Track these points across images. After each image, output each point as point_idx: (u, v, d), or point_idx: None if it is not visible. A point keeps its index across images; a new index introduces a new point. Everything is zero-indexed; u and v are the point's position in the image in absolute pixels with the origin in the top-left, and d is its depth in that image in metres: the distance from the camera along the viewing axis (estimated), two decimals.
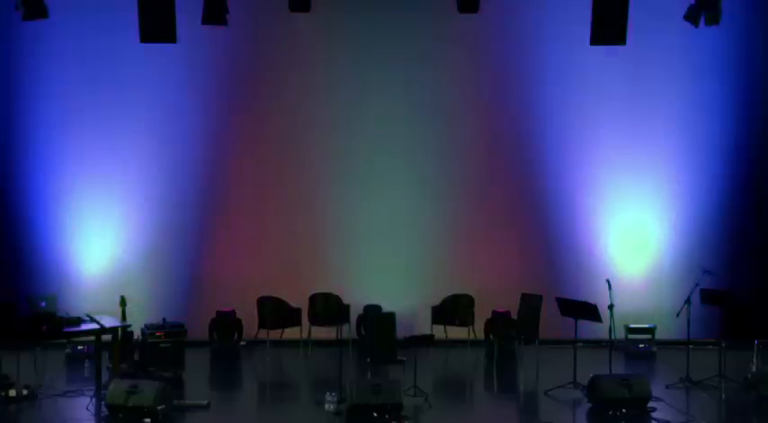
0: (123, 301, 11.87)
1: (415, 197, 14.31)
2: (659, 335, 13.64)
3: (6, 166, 14.09)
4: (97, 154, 14.05)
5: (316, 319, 13.87)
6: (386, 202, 14.26)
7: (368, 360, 12.36)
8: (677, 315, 11.99)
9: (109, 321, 11.44)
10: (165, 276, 14.16)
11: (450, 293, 14.05)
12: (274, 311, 13.65)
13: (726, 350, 11.95)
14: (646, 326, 13.74)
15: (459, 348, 13.74)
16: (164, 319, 12.57)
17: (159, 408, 10.17)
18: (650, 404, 10.78)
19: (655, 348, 13.60)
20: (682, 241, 14.20)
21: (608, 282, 11.71)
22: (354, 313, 13.83)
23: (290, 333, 13.80)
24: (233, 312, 13.91)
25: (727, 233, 14.22)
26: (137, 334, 12.31)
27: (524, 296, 13.13)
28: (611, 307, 11.58)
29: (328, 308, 13.92)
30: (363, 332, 13.58)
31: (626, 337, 13.63)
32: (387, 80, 14.21)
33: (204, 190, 14.26)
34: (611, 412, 10.66)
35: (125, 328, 11.81)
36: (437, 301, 14.01)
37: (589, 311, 11.49)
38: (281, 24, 13.76)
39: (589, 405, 10.96)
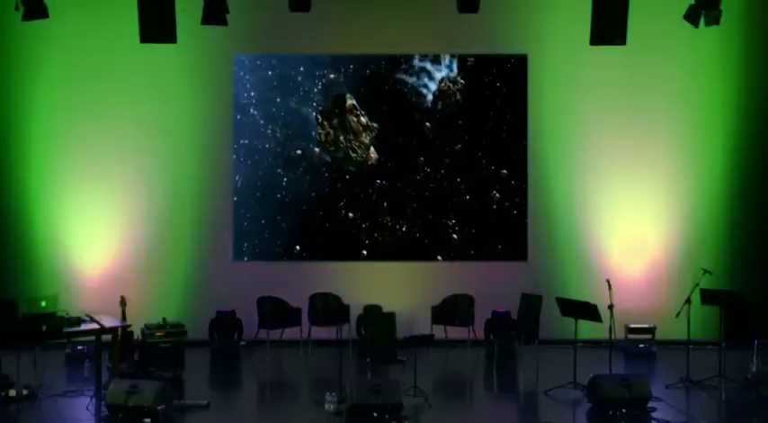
0: (123, 301, 11.87)
1: (414, 196, 14.33)
2: (659, 335, 13.64)
3: (6, 166, 14.09)
4: (97, 154, 14.05)
5: (316, 319, 13.88)
6: (387, 202, 14.30)
7: (368, 360, 12.36)
8: (677, 315, 11.99)
9: (109, 321, 11.44)
10: (165, 276, 14.17)
11: (450, 293, 14.05)
12: (274, 311, 13.65)
13: (726, 350, 11.95)
14: (646, 326, 13.73)
15: (459, 348, 13.74)
16: (164, 319, 12.58)
17: (159, 408, 10.17)
18: (650, 404, 10.78)
19: (655, 348, 13.60)
20: (682, 241, 14.20)
21: (608, 282, 11.72)
22: (354, 313, 13.85)
23: (290, 333, 13.80)
24: (233, 312, 13.92)
25: (727, 233, 14.22)
26: (137, 334, 12.31)
27: (524, 296, 13.13)
28: (611, 307, 11.58)
29: (328, 308, 13.92)
30: (363, 332, 13.58)
31: (626, 337, 13.63)
32: (385, 80, 14.23)
33: (205, 190, 14.27)
34: (611, 412, 10.66)
35: (125, 328, 11.81)
36: (437, 301, 14.02)
37: (589, 311, 11.50)
38: (281, 24, 13.79)
39: (589, 405, 10.96)
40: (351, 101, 13.82)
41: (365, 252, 14.31)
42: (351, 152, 13.90)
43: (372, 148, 14.02)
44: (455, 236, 14.34)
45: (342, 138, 13.92)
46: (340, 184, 14.27)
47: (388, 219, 14.32)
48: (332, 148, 14.09)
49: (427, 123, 14.29)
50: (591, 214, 14.24)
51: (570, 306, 11.85)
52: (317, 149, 14.11)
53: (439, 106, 14.32)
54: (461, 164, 14.34)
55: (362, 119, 13.89)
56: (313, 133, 14.21)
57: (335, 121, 13.97)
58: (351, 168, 14.21)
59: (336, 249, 14.30)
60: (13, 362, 11.27)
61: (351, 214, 14.25)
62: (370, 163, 14.08)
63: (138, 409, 10.16)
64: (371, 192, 14.27)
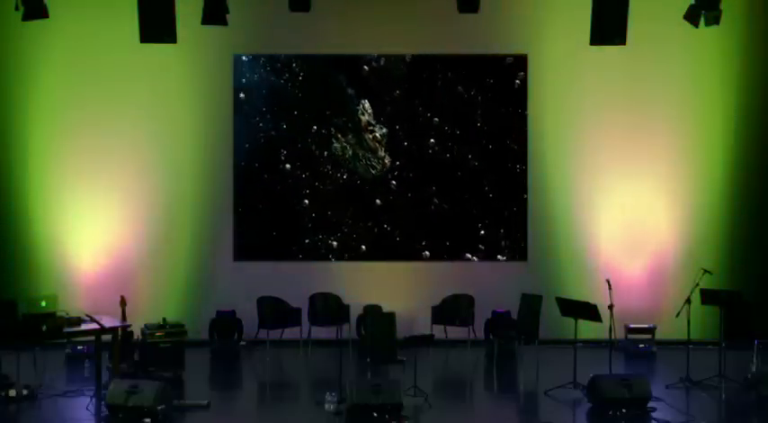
0: (123, 301, 11.87)
1: (415, 197, 14.34)
2: (659, 335, 13.64)
3: (6, 166, 14.09)
4: (97, 154, 14.05)
5: (316, 319, 13.88)
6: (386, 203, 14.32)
7: (368, 360, 12.36)
8: (677, 315, 11.99)
9: (109, 321, 11.43)
10: (165, 276, 14.17)
11: (450, 293, 14.06)
12: (274, 311, 13.65)
13: (726, 350, 11.95)
14: (646, 326, 13.74)
15: (460, 348, 13.74)
16: (164, 319, 12.57)
17: (159, 408, 10.17)
18: (650, 404, 10.78)
19: (655, 348, 13.60)
20: (682, 241, 14.20)
21: (608, 282, 11.71)
22: (354, 313, 13.85)
23: (290, 333, 13.80)
24: (233, 312, 13.92)
25: (727, 233, 14.22)
26: (137, 334, 12.31)
27: (524, 296, 13.13)
28: (611, 307, 11.58)
29: (328, 308, 13.93)
30: (363, 332, 13.58)
31: (626, 337, 13.63)
32: (385, 80, 14.25)
33: (205, 190, 14.27)
34: (611, 412, 10.66)
35: (125, 328, 11.81)
36: (437, 301, 14.02)
37: (589, 311, 11.50)
38: (281, 24, 13.80)
39: (589, 405, 10.96)
40: (364, 117, 13.86)
41: (306, 202, 14.24)
42: (371, 169, 14.09)
43: (387, 156, 14.09)
44: (394, 182, 14.26)
45: (360, 154, 13.99)
46: (275, 132, 14.29)
47: (329, 167, 14.29)
48: (350, 165, 14.14)
49: (365, 67, 14.28)
50: (590, 214, 14.24)
51: (570, 306, 11.85)
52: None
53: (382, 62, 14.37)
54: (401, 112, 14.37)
55: (377, 134, 13.95)
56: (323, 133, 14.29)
57: (350, 136, 14.00)
58: (368, 178, 14.28)
59: (275, 199, 14.29)
60: (13, 362, 11.26)
61: (288, 166, 14.22)
62: (385, 169, 14.14)
63: (138, 409, 10.16)
64: (310, 141, 14.28)
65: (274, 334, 13.61)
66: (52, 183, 14.06)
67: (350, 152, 13.67)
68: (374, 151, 13.88)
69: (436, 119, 14.31)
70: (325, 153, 14.17)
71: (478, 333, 13.84)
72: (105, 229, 14.07)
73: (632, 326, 13.73)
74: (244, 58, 14.10)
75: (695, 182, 14.21)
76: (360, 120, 14.07)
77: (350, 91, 14.19)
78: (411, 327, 13.39)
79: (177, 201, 14.22)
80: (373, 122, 13.88)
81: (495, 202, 14.36)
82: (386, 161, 14.09)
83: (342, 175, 14.05)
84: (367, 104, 13.98)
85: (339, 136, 14.10)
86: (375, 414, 10.35)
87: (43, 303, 10.99)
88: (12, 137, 14.08)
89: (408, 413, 10.52)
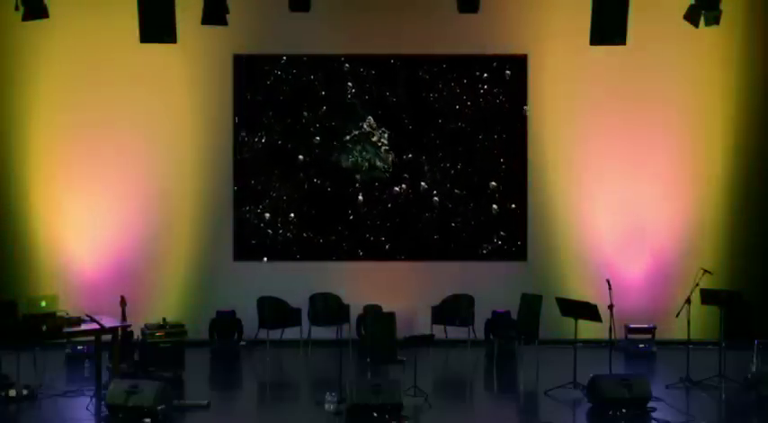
0: (123, 301, 11.87)
1: (416, 196, 14.34)
2: (659, 335, 13.64)
3: (6, 166, 14.09)
4: (97, 154, 14.05)
5: (316, 319, 13.88)
6: (386, 202, 14.32)
7: (368, 360, 12.36)
8: (677, 315, 11.99)
9: (109, 321, 11.43)
10: (165, 276, 14.17)
11: (450, 293, 14.06)
12: (274, 311, 13.66)
13: (726, 350, 11.95)
14: (646, 326, 13.74)
15: (460, 348, 13.74)
16: (164, 319, 12.58)
17: (159, 408, 10.17)
18: (650, 404, 10.78)
19: (655, 348, 13.60)
20: (682, 241, 14.19)
21: (608, 282, 11.71)
22: (354, 313, 13.85)
23: (290, 333, 13.81)
24: (233, 312, 13.92)
25: (727, 233, 14.22)
26: (137, 334, 12.32)
27: (524, 296, 13.13)
28: (611, 307, 11.58)
29: (328, 308, 13.93)
30: (363, 332, 13.58)
31: (626, 337, 13.63)
32: (386, 80, 14.25)
33: (205, 190, 14.27)
34: (611, 412, 10.66)
35: (125, 328, 11.81)
36: (437, 301, 14.02)
37: (589, 311, 11.50)
38: (281, 24, 13.81)
39: (589, 405, 10.96)
40: (374, 138, 13.95)
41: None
42: (386, 174, 14.23)
43: (393, 157, 14.25)
44: (403, 185, 14.33)
45: (375, 164, 14.07)
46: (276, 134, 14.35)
47: (244, 135, 14.28)
48: (366, 174, 14.22)
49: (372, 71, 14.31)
50: (590, 214, 14.23)
51: (570, 306, 11.85)
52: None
53: None
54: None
55: (385, 147, 14.05)
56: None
57: (365, 153, 14.07)
58: (380, 178, 14.37)
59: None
60: (13, 362, 11.26)
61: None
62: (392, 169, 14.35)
63: (138, 409, 10.16)
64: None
65: (274, 334, 13.61)
66: (52, 183, 14.06)
67: (366, 165, 13.78)
68: (386, 160, 13.99)
69: (437, 119, 14.33)
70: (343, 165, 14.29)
71: (478, 333, 13.84)
72: (105, 228, 14.07)
73: (632, 326, 13.73)
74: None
75: (695, 182, 14.21)
76: (373, 142, 14.14)
77: (354, 100, 14.22)
78: (411, 327, 13.40)
79: (177, 201, 14.22)
80: (380, 134, 13.96)
81: (495, 202, 14.36)
82: (393, 161, 14.18)
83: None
84: (372, 120, 14.03)
85: (354, 152, 14.15)
86: (375, 414, 10.35)
87: (43, 303, 10.99)
88: (12, 137, 14.08)
89: (408, 413, 10.52)
